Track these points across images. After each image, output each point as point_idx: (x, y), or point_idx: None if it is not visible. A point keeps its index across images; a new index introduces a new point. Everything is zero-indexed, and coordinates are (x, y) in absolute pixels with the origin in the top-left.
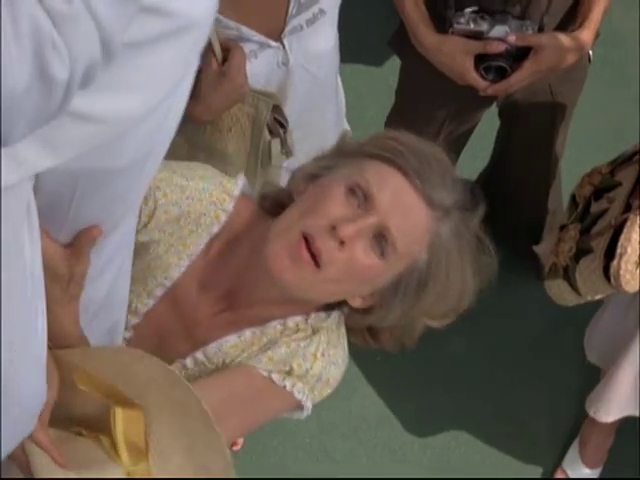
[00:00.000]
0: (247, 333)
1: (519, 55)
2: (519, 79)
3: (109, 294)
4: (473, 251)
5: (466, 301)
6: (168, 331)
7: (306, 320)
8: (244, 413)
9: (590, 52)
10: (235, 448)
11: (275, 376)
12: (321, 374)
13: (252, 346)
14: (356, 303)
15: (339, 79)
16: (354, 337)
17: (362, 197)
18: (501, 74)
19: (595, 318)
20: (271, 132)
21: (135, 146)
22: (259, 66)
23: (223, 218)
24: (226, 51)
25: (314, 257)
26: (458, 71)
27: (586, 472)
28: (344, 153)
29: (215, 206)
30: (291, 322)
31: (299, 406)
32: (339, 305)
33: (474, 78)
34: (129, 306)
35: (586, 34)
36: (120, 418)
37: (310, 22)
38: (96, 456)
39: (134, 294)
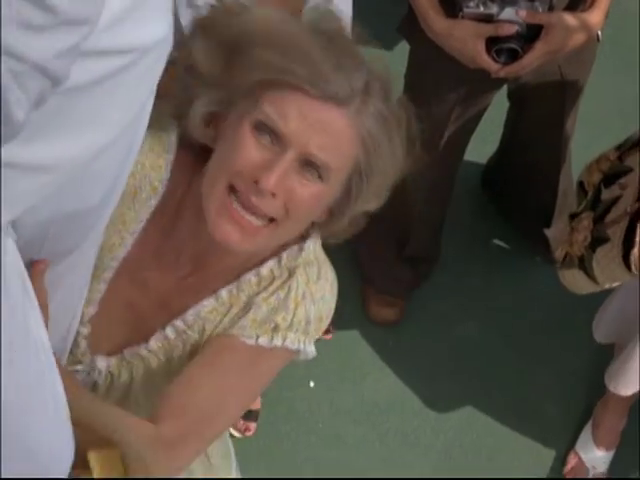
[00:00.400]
0: (223, 293)
1: (530, 37)
2: (531, 60)
3: (56, 309)
4: (399, 127)
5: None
6: (137, 310)
7: (279, 262)
8: (242, 387)
9: (599, 32)
10: (248, 433)
11: (262, 339)
12: (308, 316)
13: (231, 308)
14: (318, 219)
15: None
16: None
17: (270, 133)
18: (513, 56)
19: (605, 303)
20: None
21: (104, 185)
22: None
23: (160, 189)
24: None
25: (256, 215)
26: (470, 55)
27: (599, 454)
28: (228, 79)
29: (150, 178)
30: (265, 270)
31: (299, 353)
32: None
33: (486, 61)
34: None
35: (596, 14)
36: (96, 462)
37: (328, 0)
38: None
39: None
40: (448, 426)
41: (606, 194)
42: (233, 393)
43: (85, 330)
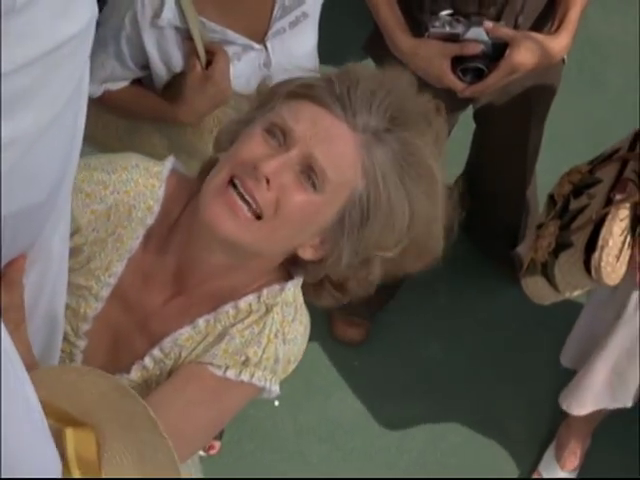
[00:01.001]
0: (200, 322)
1: (495, 56)
2: (496, 79)
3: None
4: (421, 176)
5: (419, 225)
6: (122, 332)
7: (259, 298)
8: (206, 418)
9: (565, 55)
10: (212, 452)
11: (230, 372)
12: (277, 355)
13: (207, 337)
14: (308, 254)
15: None
16: (323, 299)
17: (281, 135)
18: (478, 75)
19: (576, 324)
20: None
21: (49, 176)
22: (242, 68)
23: (155, 208)
24: (210, 54)
25: (248, 204)
26: (436, 74)
27: (562, 475)
28: (260, 104)
29: (144, 196)
30: (243, 303)
31: (264, 391)
32: (293, 265)
33: (452, 80)
34: (78, 312)
35: (563, 37)
36: (71, 438)
37: (293, 24)
38: None
39: (82, 299)
40: (412, 446)
41: (574, 204)
42: (196, 423)
43: (82, 343)
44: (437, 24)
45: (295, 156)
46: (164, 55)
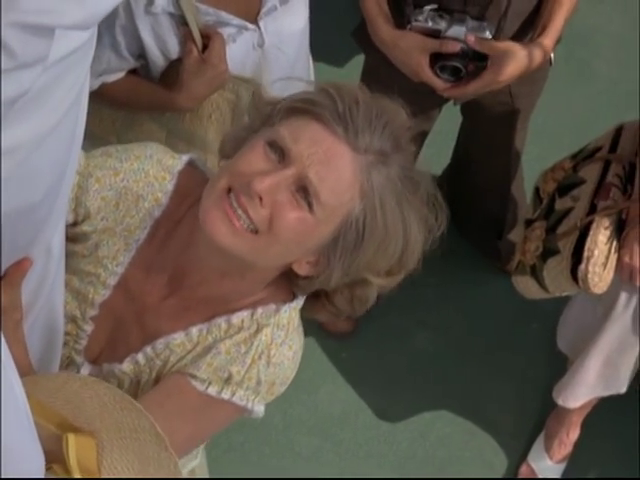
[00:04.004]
0: (194, 331)
1: (475, 56)
2: (475, 88)
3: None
4: (417, 201)
5: (412, 256)
6: (123, 322)
7: (252, 315)
8: (185, 432)
9: (552, 55)
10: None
11: (212, 389)
12: (260, 377)
13: (196, 347)
14: (303, 270)
15: (310, 60)
16: (315, 310)
17: (280, 152)
18: (456, 74)
19: (567, 307)
20: None
21: (46, 181)
22: (237, 50)
23: (164, 200)
24: (206, 38)
25: (241, 217)
26: (413, 68)
27: (551, 466)
28: (265, 112)
29: (153, 188)
30: (236, 319)
31: (246, 411)
32: (291, 280)
33: (428, 76)
34: (87, 298)
35: (546, 43)
36: (73, 444)
37: (283, 1)
38: None
39: (90, 285)
40: (401, 437)
41: (559, 204)
42: (175, 436)
43: (89, 328)
44: (420, 18)
45: (291, 175)
46: (160, 42)
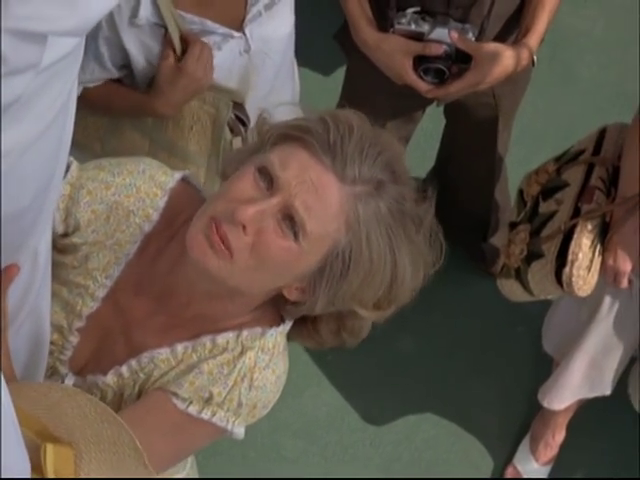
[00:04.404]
0: (179, 348)
1: (458, 58)
2: (458, 88)
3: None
4: (413, 235)
5: (402, 290)
6: (109, 335)
7: (237, 337)
8: (163, 449)
9: (534, 56)
10: None
11: (192, 408)
12: (241, 400)
13: (180, 364)
14: (293, 296)
15: (295, 65)
16: (301, 337)
17: (269, 179)
18: (439, 76)
19: (551, 309)
20: (232, 130)
21: (33, 186)
22: (223, 57)
23: (154, 217)
24: (187, 44)
25: (225, 243)
26: (396, 71)
27: (537, 468)
28: (259, 140)
29: (144, 203)
30: (221, 339)
31: (226, 432)
32: (279, 304)
33: (412, 78)
34: (75, 309)
35: (530, 44)
36: (51, 454)
37: (268, 7)
38: None
39: (79, 297)
40: (387, 440)
41: (543, 207)
42: (153, 452)
43: (74, 339)
44: (403, 21)
45: (277, 204)
46: (146, 51)
